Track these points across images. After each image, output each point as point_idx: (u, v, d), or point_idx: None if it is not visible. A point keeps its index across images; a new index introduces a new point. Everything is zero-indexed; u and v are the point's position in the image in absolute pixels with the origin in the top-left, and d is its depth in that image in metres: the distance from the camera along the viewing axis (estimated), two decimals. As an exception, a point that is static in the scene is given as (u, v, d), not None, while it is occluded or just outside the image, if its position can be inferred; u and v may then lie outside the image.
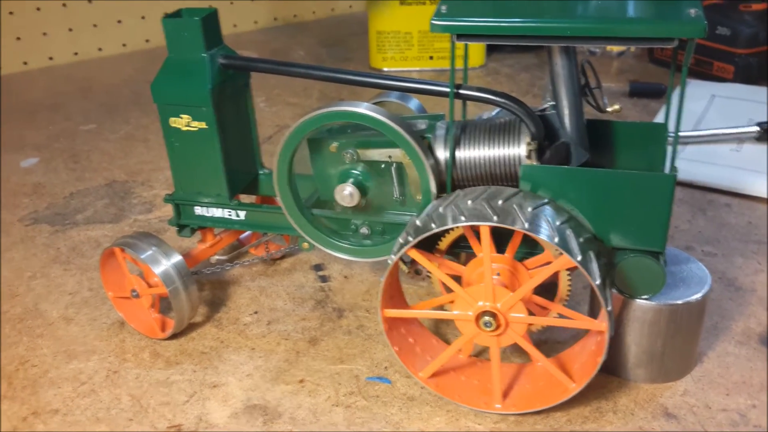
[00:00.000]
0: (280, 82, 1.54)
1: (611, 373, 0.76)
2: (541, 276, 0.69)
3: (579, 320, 0.71)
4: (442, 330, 0.85)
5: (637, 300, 0.72)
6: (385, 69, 1.66)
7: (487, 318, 0.69)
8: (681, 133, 1.19)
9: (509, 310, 0.69)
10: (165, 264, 0.79)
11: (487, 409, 0.73)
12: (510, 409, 0.72)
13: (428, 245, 0.75)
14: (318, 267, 0.96)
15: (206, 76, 0.76)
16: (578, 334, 0.79)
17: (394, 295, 0.76)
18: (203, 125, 0.78)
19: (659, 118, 1.31)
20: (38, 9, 1.70)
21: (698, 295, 0.72)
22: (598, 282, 0.66)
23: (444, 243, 0.75)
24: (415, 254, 0.70)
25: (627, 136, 0.78)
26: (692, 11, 0.62)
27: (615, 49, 1.68)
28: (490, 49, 1.71)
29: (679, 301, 0.71)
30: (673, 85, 0.74)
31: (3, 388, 0.78)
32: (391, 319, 0.74)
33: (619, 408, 0.73)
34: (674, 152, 0.68)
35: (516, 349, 0.79)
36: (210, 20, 0.77)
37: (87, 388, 0.78)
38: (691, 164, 1.14)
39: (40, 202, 1.15)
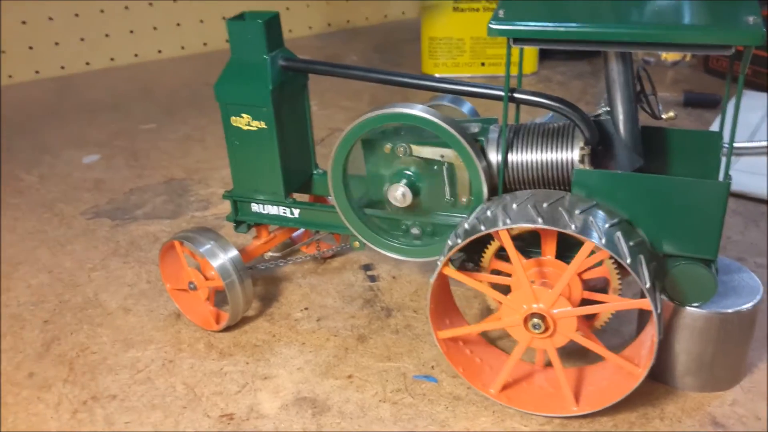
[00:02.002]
0: (332, 86, 1.56)
1: (659, 380, 0.76)
2: (575, 265, 0.68)
3: (625, 301, 0.70)
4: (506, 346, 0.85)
5: (688, 307, 0.71)
6: (437, 75, 1.67)
7: (535, 320, 0.70)
8: (736, 144, 1.18)
9: (552, 307, 0.69)
10: (222, 258, 0.82)
11: (564, 414, 0.72)
12: (586, 409, 0.72)
13: (476, 250, 0.76)
14: (367, 267, 0.98)
15: (267, 77, 0.79)
16: (629, 340, 0.79)
17: (444, 298, 0.77)
18: (263, 125, 0.81)
19: (714, 128, 1.29)
20: (102, 11, 1.76)
21: (749, 305, 0.72)
22: (647, 285, 0.66)
23: (491, 249, 0.75)
24: (452, 272, 0.71)
25: (681, 144, 0.78)
26: (751, 18, 0.61)
27: (669, 58, 1.66)
28: (543, 56, 1.71)
29: (730, 310, 0.71)
30: (728, 95, 0.74)
31: (65, 372, 0.81)
32: (439, 288, 0.75)
33: (666, 415, 0.73)
34: (728, 161, 0.68)
35: (567, 355, 0.80)
36: (272, 23, 0.79)
37: (143, 375, 0.81)
38: (745, 175, 1.12)
39: (101, 197, 1.19)
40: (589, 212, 0.68)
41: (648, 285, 0.66)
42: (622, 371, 0.73)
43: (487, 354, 0.79)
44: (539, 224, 0.66)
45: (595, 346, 0.72)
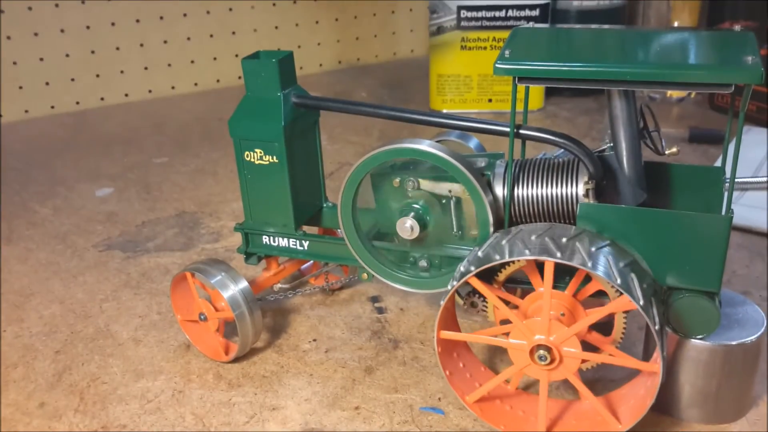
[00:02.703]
0: (341, 122, 1.59)
1: (664, 413, 0.76)
2: (598, 315, 0.70)
3: (632, 361, 0.72)
4: (495, 364, 0.86)
5: (692, 340, 0.72)
6: (445, 110, 1.70)
7: (542, 352, 0.71)
8: (740, 179, 1.19)
9: (563, 344, 0.70)
10: (233, 289, 0.83)
11: None
12: None
13: (484, 280, 0.77)
14: (375, 299, 0.99)
15: (280, 114, 0.81)
16: (631, 375, 0.80)
17: (450, 324, 0.78)
18: (275, 159, 0.83)
19: (718, 164, 1.30)
20: (117, 48, 1.81)
21: (753, 337, 0.72)
22: (657, 327, 0.67)
23: (502, 277, 0.77)
24: (476, 282, 0.72)
25: (684, 179, 0.80)
26: (749, 58, 0.63)
27: (675, 95, 1.68)
28: (549, 93, 1.74)
29: (734, 342, 0.72)
30: (730, 131, 0.75)
31: (76, 402, 0.82)
32: (445, 342, 0.76)
33: (672, 448, 0.73)
34: (730, 195, 0.69)
35: (567, 384, 0.80)
36: (285, 62, 0.82)
37: (153, 405, 0.81)
38: (750, 210, 1.13)
39: (113, 230, 1.21)
40: (603, 250, 0.69)
41: (658, 327, 0.67)
42: (642, 388, 0.73)
43: (478, 372, 0.80)
44: (557, 258, 0.67)
45: (585, 391, 0.72)
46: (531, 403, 0.78)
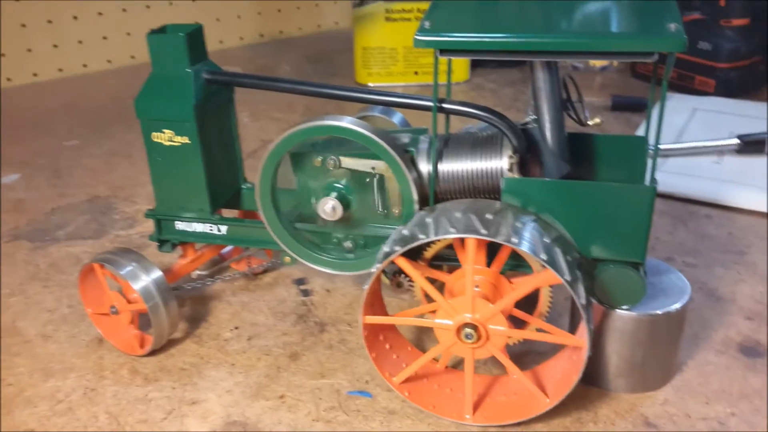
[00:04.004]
0: (264, 98, 1.54)
1: (592, 384, 0.76)
2: (523, 289, 0.69)
3: (558, 336, 0.71)
4: (423, 341, 0.84)
5: (618, 310, 0.72)
6: (371, 84, 1.66)
7: (468, 330, 0.69)
8: (662, 146, 1.20)
9: (489, 322, 0.69)
10: (145, 280, 0.79)
11: (457, 420, 0.73)
12: (480, 421, 0.72)
13: (410, 258, 0.75)
14: (300, 281, 0.96)
15: (190, 91, 0.76)
16: (558, 347, 0.79)
17: (376, 305, 0.75)
18: (186, 140, 0.78)
19: (641, 132, 1.31)
20: (23, 25, 1.70)
21: (678, 305, 0.72)
22: (583, 302, 0.66)
23: (429, 254, 0.75)
24: (401, 262, 0.70)
25: (608, 150, 0.79)
26: (672, 26, 0.62)
27: (598, 64, 1.69)
28: (475, 64, 1.72)
29: (659, 312, 0.72)
30: (654, 99, 0.75)
31: (-20, 406, 0.77)
32: (370, 326, 0.74)
33: (599, 418, 0.73)
34: (654, 164, 0.68)
35: (495, 359, 0.79)
36: (194, 36, 0.77)
37: (64, 406, 0.77)
38: (672, 176, 1.14)
39: (20, 219, 1.14)
40: (529, 225, 0.67)
41: (584, 302, 0.66)
42: (568, 362, 0.73)
43: (405, 353, 0.78)
44: (482, 235, 0.65)
45: (512, 367, 0.72)
46: (460, 380, 0.77)
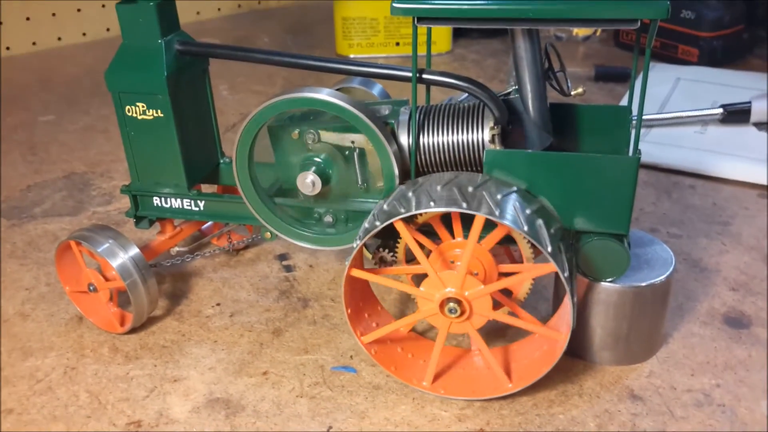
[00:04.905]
0: (243, 70, 1.51)
1: (577, 356, 0.76)
2: (516, 279, 0.69)
3: (536, 326, 0.71)
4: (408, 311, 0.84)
5: (602, 283, 0.71)
6: (352, 56, 1.64)
7: (453, 305, 0.69)
8: (646, 116, 1.20)
9: (462, 289, 0.68)
10: (122, 257, 0.77)
11: (412, 385, 0.72)
12: (436, 391, 0.72)
13: (391, 235, 0.74)
14: (282, 257, 0.95)
15: (162, 63, 0.74)
16: (546, 318, 0.79)
17: (359, 286, 0.75)
18: (159, 114, 0.76)
19: (624, 102, 1.30)
20: (-6, -2, 1.66)
21: (662, 277, 0.72)
22: (566, 274, 0.65)
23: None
24: (400, 226, 0.68)
25: (591, 120, 0.78)
26: (656, -8, 0.61)
27: (581, 33, 1.67)
28: (457, 35, 1.70)
29: (644, 283, 0.71)
30: (637, 69, 0.74)
31: (-44, 387, 0.76)
32: (355, 304, 0.73)
33: (584, 391, 0.73)
34: (637, 135, 0.68)
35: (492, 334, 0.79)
36: (166, 5, 0.75)
37: (43, 385, 0.75)
38: (656, 147, 1.14)
39: (-5, 196, 1.12)
40: (510, 197, 0.66)
41: (567, 274, 0.65)
42: (542, 348, 0.72)
43: (418, 348, 0.77)
44: (463, 208, 0.65)
45: (514, 320, 0.71)
46: (425, 348, 0.76)
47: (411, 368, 0.74)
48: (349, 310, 0.73)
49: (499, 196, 0.66)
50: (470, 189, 0.66)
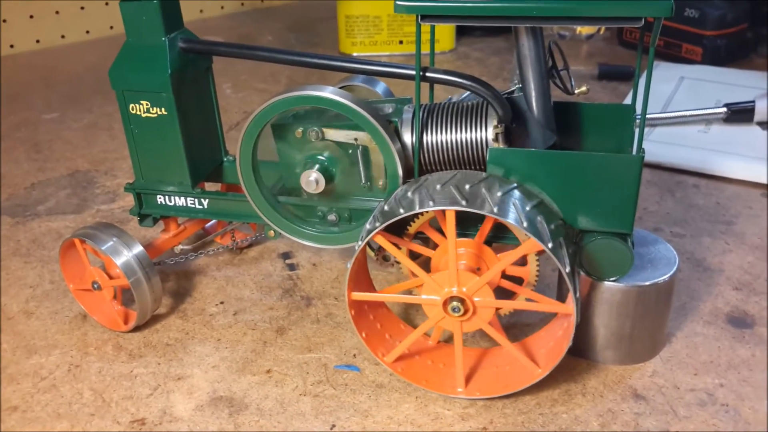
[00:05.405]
0: (247, 68, 1.51)
1: (580, 356, 0.76)
2: (508, 260, 0.68)
3: (546, 304, 0.70)
4: (411, 315, 0.84)
5: (605, 282, 0.71)
6: (355, 54, 1.64)
7: (455, 303, 0.69)
8: (649, 115, 1.19)
9: (475, 295, 0.68)
10: (126, 255, 0.77)
11: (451, 394, 0.72)
12: (473, 394, 0.72)
13: (397, 231, 0.74)
14: (286, 255, 0.95)
15: (165, 60, 0.74)
16: (547, 318, 0.79)
17: (362, 282, 0.75)
18: (163, 111, 0.76)
19: (628, 101, 1.30)
20: (-3, -5, 1.66)
21: (666, 276, 0.72)
22: (567, 269, 0.65)
23: (413, 228, 0.74)
24: (381, 240, 0.69)
25: (595, 119, 0.78)
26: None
27: (584, 32, 1.67)
28: (460, 33, 1.70)
29: (647, 283, 0.71)
30: (640, 67, 0.73)
31: (-39, 384, 0.76)
32: (358, 304, 0.73)
33: (588, 390, 0.73)
34: (641, 133, 0.67)
35: (483, 332, 0.79)
36: (169, 3, 0.75)
37: (48, 383, 0.76)
38: (659, 146, 1.14)
39: (0, 194, 1.12)
40: (510, 194, 0.66)
41: (568, 269, 0.65)
42: (556, 336, 0.72)
43: (395, 329, 0.77)
44: (462, 206, 0.65)
45: (501, 339, 0.71)
46: (452, 355, 0.76)
47: (442, 378, 0.74)
48: (363, 334, 0.73)
49: (498, 194, 0.66)
50: (468, 187, 0.66)
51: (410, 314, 0.84)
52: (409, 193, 0.68)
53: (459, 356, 0.71)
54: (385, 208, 0.68)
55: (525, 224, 0.64)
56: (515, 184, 0.68)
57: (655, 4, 0.60)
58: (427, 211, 0.70)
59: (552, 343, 0.73)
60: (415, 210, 0.66)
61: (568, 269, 0.65)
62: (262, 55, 0.77)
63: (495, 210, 0.64)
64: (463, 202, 0.65)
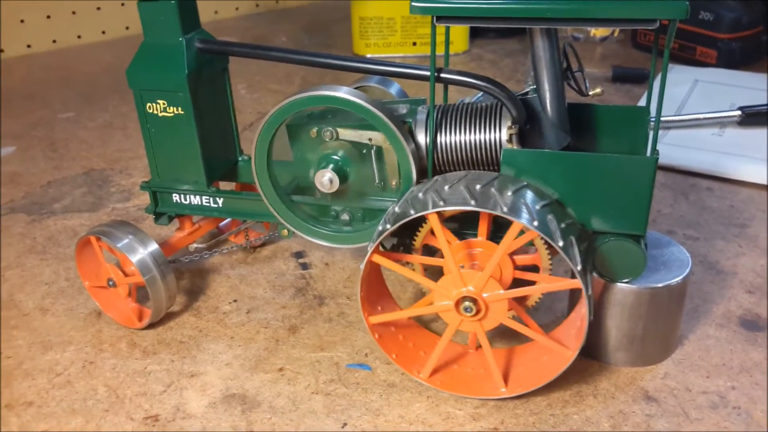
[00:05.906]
0: (261, 69, 1.52)
1: (592, 357, 0.76)
2: (503, 248, 0.67)
3: (542, 337, 0.71)
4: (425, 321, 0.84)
5: (618, 283, 0.71)
6: (369, 55, 1.64)
7: (466, 303, 0.69)
8: (663, 118, 1.19)
9: (483, 291, 0.68)
10: (142, 252, 0.78)
11: (494, 396, 0.72)
12: (517, 391, 0.71)
13: (408, 234, 0.74)
14: (299, 254, 0.95)
15: (182, 60, 0.75)
16: (557, 321, 0.79)
17: (376, 286, 0.75)
18: (180, 111, 0.77)
19: (642, 103, 1.30)
20: (15, -5, 1.67)
21: (679, 279, 0.72)
22: (579, 267, 0.65)
23: (418, 242, 0.74)
24: (379, 258, 0.69)
25: (609, 120, 0.78)
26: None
27: (598, 34, 1.67)
28: (474, 35, 1.70)
29: (660, 285, 0.71)
30: (655, 69, 0.73)
31: (-22, 379, 0.77)
32: (380, 326, 0.74)
33: (599, 392, 0.73)
34: (655, 135, 0.67)
35: (498, 334, 0.79)
36: (186, 4, 0.75)
37: (62, 379, 0.76)
38: (673, 149, 1.13)
39: (16, 192, 1.13)
40: (520, 193, 0.66)
41: (579, 267, 0.65)
42: (549, 353, 0.72)
43: (420, 338, 0.78)
44: (472, 206, 0.65)
45: (524, 329, 0.71)
46: (479, 358, 0.76)
47: (411, 357, 0.74)
48: (394, 355, 0.73)
49: (509, 193, 0.66)
50: (479, 187, 0.66)
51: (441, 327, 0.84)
52: (420, 194, 0.68)
53: (490, 356, 0.71)
54: (396, 209, 0.69)
55: (536, 223, 0.64)
56: (525, 183, 0.68)
57: (670, 5, 0.60)
58: (435, 211, 0.70)
59: (544, 358, 0.73)
60: (425, 211, 0.66)
61: (579, 267, 0.65)
62: (276, 55, 0.78)
63: (505, 209, 0.64)
64: (473, 202, 0.65)
